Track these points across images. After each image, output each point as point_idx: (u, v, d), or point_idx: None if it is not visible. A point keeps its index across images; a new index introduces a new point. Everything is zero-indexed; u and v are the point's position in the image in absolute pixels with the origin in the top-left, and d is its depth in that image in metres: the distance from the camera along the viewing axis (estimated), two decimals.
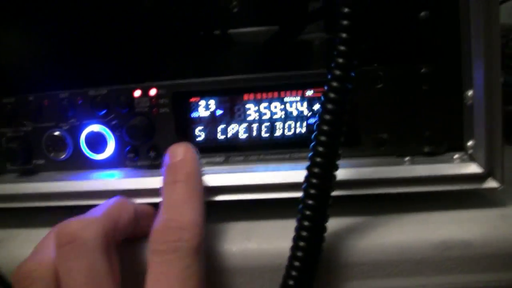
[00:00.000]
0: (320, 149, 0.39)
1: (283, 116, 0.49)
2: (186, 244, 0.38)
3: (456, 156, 0.47)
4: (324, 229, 0.39)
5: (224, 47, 0.52)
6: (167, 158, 0.44)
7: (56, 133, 0.51)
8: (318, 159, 0.39)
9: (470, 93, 0.45)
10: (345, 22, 0.39)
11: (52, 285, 0.37)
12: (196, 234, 0.39)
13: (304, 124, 0.49)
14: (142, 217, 0.43)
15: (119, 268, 0.39)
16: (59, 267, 0.38)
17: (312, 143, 0.39)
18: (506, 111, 0.59)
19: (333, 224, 0.41)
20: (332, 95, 0.39)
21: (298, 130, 0.49)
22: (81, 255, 0.37)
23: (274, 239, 0.44)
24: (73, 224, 0.38)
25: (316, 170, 0.39)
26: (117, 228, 0.40)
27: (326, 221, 0.39)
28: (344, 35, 0.39)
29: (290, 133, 0.49)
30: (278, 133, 0.49)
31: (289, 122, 0.49)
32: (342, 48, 0.39)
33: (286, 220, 0.43)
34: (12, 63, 0.54)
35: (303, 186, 0.39)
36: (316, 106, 0.48)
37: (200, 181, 0.44)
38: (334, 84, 0.39)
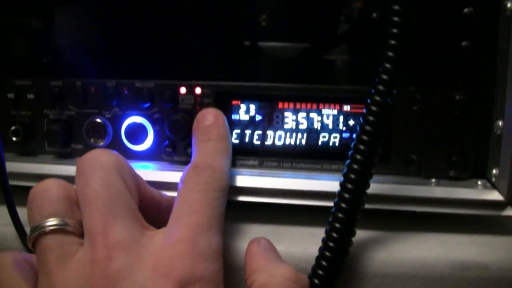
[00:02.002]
0: (358, 157, 0.41)
1: (319, 128, 0.51)
2: (217, 182, 0.41)
3: (479, 182, 0.49)
4: (350, 242, 0.42)
5: (267, 57, 0.54)
6: (198, 122, 0.47)
7: (98, 120, 0.53)
8: (356, 166, 0.41)
9: (500, 123, 0.47)
10: (392, 42, 0.41)
11: (65, 203, 0.39)
12: (225, 177, 0.43)
13: (338, 137, 0.51)
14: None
15: (136, 196, 0.42)
16: (78, 184, 0.40)
17: (351, 152, 0.42)
18: None
19: (359, 234, 0.43)
20: (374, 108, 0.41)
21: (332, 143, 0.51)
22: (98, 169, 0.40)
23: (301, 244, 0.46)
24: (91, 151, 0.42)
25: (352, 175, 0.41)
26: (126, 163, 0.43)
27: (353, 235, 0.42)
28: (390, 53, 0.41)
29: (324, 145, 0.51)
30: (312, 143, 0.51)
31: (324, 134, 0.51)
32: (387, 65, 0.41)
33: (314, 227, 0.46)
34: (65, 47, 0.56)
35: (338, 190, 0.42)
36: (352, 121, 0.50)
37: (230, 143, 0.47)
38: (377, 98, 0.41)
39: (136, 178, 0.43)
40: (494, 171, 0.48)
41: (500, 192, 0.47)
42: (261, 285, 0.38)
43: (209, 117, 0.47)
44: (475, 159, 0.49)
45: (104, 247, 0.36)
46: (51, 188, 0.40)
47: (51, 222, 0.38)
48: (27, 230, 0.40)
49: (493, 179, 0.48)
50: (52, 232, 0.38)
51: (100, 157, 0.41)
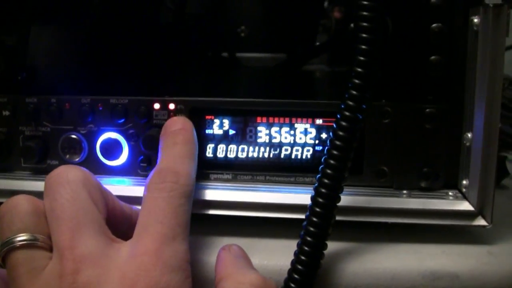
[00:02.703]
0: (329, 171, 0.42)
1: (291, 141, 0.51)
2: (181, 188, 0.42)
3: (450, 193, 0.50)
4: (322, 255, 0.42)
5: (242, 70, 0.55)
6: (165, 128, 0.48)
7: (74, 136, 0.53)
8: (326, 181, 0.42)
9: (469, 135, 0.48)
10: (361, 58, 0.42)
11: (34, 218, 0.40)
12: (190, 183, 0.43)
13: (311, 150, 0.51)
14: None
15: (103, 210, 0.42)
16: (45, 200, 0.41)
17: (322, 166, 0.42)
18: (498, 156, 0.62)
19: (331, 246, 0.44)
20: (343, 123, 0.42)
21: (304, 156, 0.51)
22: (65, 185, 0.40)
23: (275, 257, 0.46)
24: (58, 168, 0.42)
25: (323, 190, 0.42)
26: (93, 179, 0.43)
27: (324, 248, 0.42)
28: (359, 69, 0.42)
29: (297, 158, 0.51)
30: (285, 156, 0.52)
31: (296, 147, 0.51)
32: (356, 81, 0.42)
33: (288, 239, 0.46)
34: (39, 65, 0.56)
35: (309, 204, 0.42)
36: (324, 135, 0.51)
37: (196, 148, 0.47)
38: (346, 113, 0.42)
39: (104, 192, 0.44)
40: (464, 182, 0.49)
41: (471, 203, 0.48)
42: None
43: (177, 124, 0.47)
44: (446, 170, 0.50)
45: (71, 260, 0.37)
46: (21, 204, 0.40)
47: (21, 237, 0.39)
48: None
49: (464, 190, 0.49)
50: (22, 247, 0.38)
51: (66, 173, 0.41)
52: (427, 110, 0.49)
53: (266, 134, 0.51)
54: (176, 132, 0.47)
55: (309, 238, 0.41)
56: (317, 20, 0.82)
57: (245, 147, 0.52)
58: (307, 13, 0.76)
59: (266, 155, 0.52)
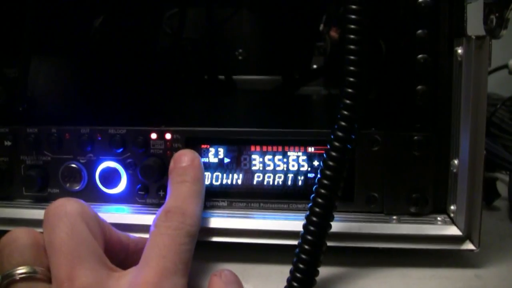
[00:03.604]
0: (319, 200, 0.43)
1: (284, 169, 0.53)
2: (187, 227, 0.43)
3: (439, 218, 0.51)
4: (316, 272, 0.44)
5: (238, 96, 0.57)
6: (174, 163, 0.49)
7: (73, 165, 0.55)
8: (317, 209, 0.43)
9: (456, 162, 0.49)
10: (349, 90, 0.43)
11: (33, 251, 0.41)
12: (196, 223, 0.45)
13: (304, 177, 0.53)
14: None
15: (101, 241, 0.44)
16: (44, 233, 0.42)
17: (313, 195, 0.44)
18: (489, 178, 0.64)
19: (322, 271, 0.45)
20: (333, 153, 0.44)
21: (297, 183, 0.53)
22: (63, 218, 0.42)
23: (268, 282, 0.48)
24: (56, 201, 0.43)
25: (314, 218, 0.43)
26: (90, 211, 0.44)
27: (316, 275, 0.44)
28: (347, 101, 0.44)
29: (290, 185, 0.53)
30: (279, 184, 0.53)
31: (290, 175, 0.53)
32: (345, 112, 0.44)
33: (282, 265, 0.47)
34: (40, 96, 0.58)
35: (301, 232, 0.44)
36: (316, 162, 0.52)
37: (204, 186, 0.49)
38: (336, 144, 0.44)
39: (101, 223, 0.45)
40: (452, 207, 0.50)
41: (458, 227, 0.49)
42: None
43: (185, 158, 0.49)
44: (435, 196, 0.52)
45: None
46: (20, 237, 0.42)
47: (21, 270, 0.40)
48: None
49: (452, 215, 0.51)
50: (22, 280, 0.39)
51: (64, 206, 0.43)
52: (415, 138, 0.50)
53: (260, 162, 0.53)
54: (185, 168, 0.48)
55: (301, 265, 0.43)
56: (313, 43, 0.84)
57: (240, 175, 0.53)
58: (304, 36, 0.77)
59: (260, 182, 0.53)
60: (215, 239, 0.51)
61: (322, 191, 0.43)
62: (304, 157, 0.52)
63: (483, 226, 0.48)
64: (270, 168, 0.53)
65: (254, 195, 0.54)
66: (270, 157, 0.53)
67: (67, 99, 0.57)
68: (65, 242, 0.40)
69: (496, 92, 1.00)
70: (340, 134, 0.44)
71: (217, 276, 0.44)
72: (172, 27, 0.73)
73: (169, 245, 0.42)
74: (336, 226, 0.48)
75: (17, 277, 0.39)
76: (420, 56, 0.49)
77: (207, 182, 0.53)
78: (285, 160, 0.53)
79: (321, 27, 0.80)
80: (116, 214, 0.53)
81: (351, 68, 0.43)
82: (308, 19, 0.78)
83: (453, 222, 0.50)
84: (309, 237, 0.43)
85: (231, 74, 0.78)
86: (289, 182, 0.53)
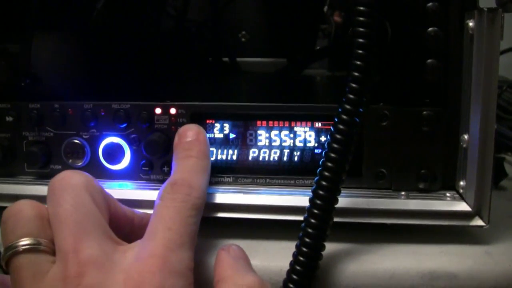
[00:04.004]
0: (326, 173, 0.43)
1: (291, 144, 0.52)
2: (193, 200, 0.43)
3: (448, 194, 0.50)
4: (322, 246, 0.43)
5: (242, 75, 0.56)
6: (179, 138, 0.49)
7: (76, 141, 0.54)
8: (324, 183, 0.42)
9: (466, 137, 0.48)
10: (358, 63, 0.43)
11: (38, 222, 0.41)
12: (202, 196, 0.44)
13: (311, 153, 0.52)
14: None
15: (106, 214, 0.43)
16: (49, 205, 0.42)
17: (319, 169, 0.43)
18: (497, 158, 0.63)
19: (330, 247, 0.45)
20: (341, 126, 0.43)
21: (304, 159, 0.52)
22: (68, 190, 0.41)
23: (275, 258, 0.47)
24: (61, 173, 0.43)
25: (321, 192, 0.43)
26: (95, 184, 0.44)
27: (322, 249, 0.43)
28: (356, 74, 0.43)
29: (296, 161, 0.52)
30: (285, 159, 0.52)
31: (296, 150, 0.52)
32: (353, 85, 0.43)
33: (288, 241, 0.47)
34: (42, 72, 0.57)
35: (308, 206, 0.43)
36: (323, 138, 0.51)
37: (209, 160, 0.48)
38: (344, 117, 0.43)
39: (107, 196, 0.45)
40: (461, 183, 0.50)
41: (468, 203, 0.48)
42: None
43: (190, 133, 0.48)
44: (444, 172, 0.51)
45: (75, 264, 0.37)
46: (24, 209, 0.41)
47: (24, 241, 0.39)
48: (1, 250, 0.41)
49: (461, 191, 0.50)
50: (25, 251, 0.39)
51: (69, 178, 0.42)
52: (424, 113, 0.49)
53: (266, 138, 0.52)
54: (191, 143, 0.48)
55: (307, 239, 0.42)
56: (317, 24, 0.83)
57: (246, 150, 0.53)
58: (308, 18, 0.77)
59: (266, 158, 0.53)
60: (221, 214, 0.50)
61: (329, 164, 0.43)
62: (311, 133, 0.52)
63: (491, 205, 0.47)
64: (277, 143, 0.52)
65: (260, 170, 0.53)
66: (277, 132, 0.52)
67: (71, 75, 0.56)
68: (70, 213, 0.40)
69: (503, 75, 0.99)
70: (348, 107, 0.43)
71: (225, 250, 0.44)
72: (176, 8, 0.73)
73: (175, 217, 0.41)
74: (344, 201, 0.47)
75: (20, 249, 0.39)
76: (430, 29, 0.48)
77: (212, 158, 0.53)
78: (291, 135, 0.52)
79: (325, 9, 0.79)
80: (119, 190, 0.52)
81: (360, 40, 0.43)
82: (312, 1, 0.78)
83: (462, 198, 0.49)
84: (315, 211, 0.42)
85: (234, 56, 0.77)
86: (296, 158, 0.52)
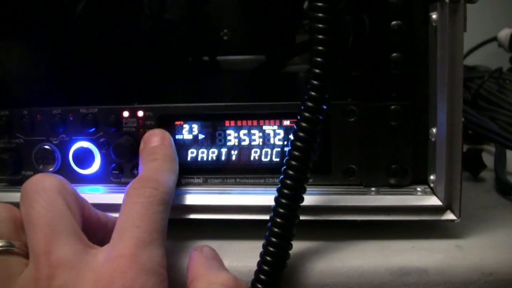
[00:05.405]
0: (290, 172, 0.42)
1: (260, 143, 0.52)
2: (160, 195, 0.43)
3: (419, 188, 0.50)
4: (289, 245, 0.43)
5: (209, 75, 0.56)
6: (144, 143, 0.49)
7: (46, 146, 0.54)
8: (288, 182, 0.42)
9: (434, 130, 0.48)
10: (318, 59, 0.42)
11: (10, 225, 0.41)
12: (169, 192, 0.44)
13: (279, 151, 0.52)
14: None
15: (79, 217, 0.43)
16: (22, 207, 0.42)
17: (284, 167, 0.43)
18: (475, 150, 0.63)
19: (298, 246, 0.45)
20: (303, 124, 0.42)
21: (273, 157, 0.52)
22: (40, 192, 0.41)
23: (244, 258, 0.46)
24: (34, 176, 0.43)
25: (285, 191, 0.42)
26: (69, 187, 0.44)
27: (289, 248, 0.43)
28: (317, 70, 0.42)
29: (266, 160, 0.52)
30: (255, 159, 0.52)
31: (265, 149, 0.52)
32: (314, 82, 0.42)
33: (258, 240, 0.46)
34: (10, 78, 0.57)
35: (273, 206, 0.43)
36: (292, 136, 0.51)
37: (177, 163, 0.49)
38: (306, 114, 0.42)
39: (80, 200, 0.45)
40: (432, 177, 0.49)
41: (439, 197, 0.48)
42: None
43: (155, 138, 0.48)
44: (414, 166, 0.50)
45: (47, 266, 0.37)
46: None
47: None
48: None
49: (432, 185, 0.49)
50: None
51: (42, 181, 0.42)
52: (392, 107, 0.49)
53: (235, 137, 0.52)
54: (156, 148, 0.48)
55: (273, 239, 0.42)
56: (297, 21, 0.83)
57: (215, 150, 0.52)
58: (289, 13, 0.76)
59: (235, 158, 0.52)
60: (192, 216, 0.50)
61: (293, 162, 0.42)
62: (280, 131, 0.51)
63: (467, 197, 0.47)
64: (246, 143, 0.52)
65: (230, 171, 0.53)
66: (245, 131, 0.52)
67: (38, 81, 0.56)
68: (42, 215, 0.40)
69: (486, 65, 0.99)
70: (310, 104, 0.42)
71: (197, 250, 0.44)
72: (152, 9, 0.72)
73: (143, 214, 0.41)
74: (313, 199, 0.47)
75: None
76: (394, 23, 0.48)
77: (182, 159, 0.52)
78: (260, 134, 0.52)
79: (305, 4, 0.79)
80: (91, 195, 0.52)
81: (320, 36, 0.42)
82: None
83: (433, 192, 0.49)
84: (281, 210, 0.42)
85: (215, 54, 0.77)
86: (265, 157, 0.52)
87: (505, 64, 0.99)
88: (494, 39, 1.01)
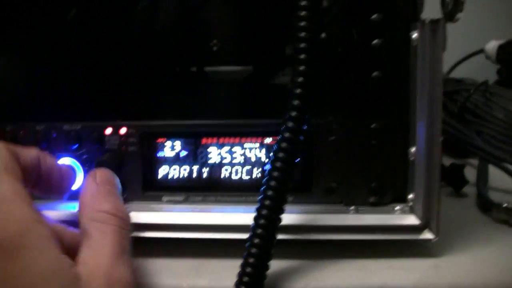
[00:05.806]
0: (269, 192, 0.42)
1: (242, 161, 0.52)
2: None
3: (397, 207, 0.50)
4: (267, 266, 0.43)
5: (196, 86, 0.56)
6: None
7: None
8: (267, 202, 0.42)
9: (413, 149, 0.48)
10: (299, 79, 0.43)
11: None
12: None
13: (261, 169, 0.52)
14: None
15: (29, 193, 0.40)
16: None
17: (263, 187, 0.43)
18: (457, 165, 0.63)
19: (276, 265, 0.45)
20: (283, 144, 0.43)
21: (254, 175, 0.52)
22: None
23: (224, 277, 0.46)
24: None
25: (264, 211, 0.43)
26: (21, 154, 0.41)
27: (267, 269, 0.43)
28: (298, 90, 0.43)
29: (247, 178, 0.52)
30: (236, 176, 0.52)
31: (247, 167, 0.52)
32: (295, 102, 0.43)
33: (237, 259, 0.46)
34: None
35: (252, 225, 0.43)
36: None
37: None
38: (286, 135, 0.43)
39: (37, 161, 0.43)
40: (410, 196, 0.50)
41: (417, 216, 0.49)
42: (84, 222, 0.41)
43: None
44: (394, 185, 0.51)
45: None
46: None
47: None
48: None
49: (410, 203, 0.50)
50: None
51: None
52: (373, 126, 0.50)
53: (217, 155, 0.52)
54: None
55: (251, 259, 0.42)
56: (287, 32, 0.83)
57: (196, 168, 0.52)
58: (280, 25, 0.76)
59: (216, 175, 0.52)
60: (172, 235, 0.50)
61: (272, 183, 0.42)
62: (262, 149, 0.52)
63: (447, 213, 0.47)
64: (227, 160, 0.52)
65: (211, 188, 0.53)
66: (227, 149, 0.52)
67: (21, 97, 0.56)
68: None
69: (474, 77, 0.99)
70: (290, 124, 0.43)
71: (91, 176, 0.44)
72: (141, 19, 0.72)
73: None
74: (292, 218, 0.48)
75: None
76: (375, 41, 0.48)
77: (164, 176, 0.53)
78: (242, 151, 0.52)
79: None
80: (74, 211, 0.52)
81: (301, 56, 0.43)
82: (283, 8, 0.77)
83: (411, 211, 0.50)
84: (259, 231, 0.42)
85: (204, 65, 0.77)
86: (246, 175, 0.52)
87: (493, 76, 1.00)
88: (481, 51, 1.02)
